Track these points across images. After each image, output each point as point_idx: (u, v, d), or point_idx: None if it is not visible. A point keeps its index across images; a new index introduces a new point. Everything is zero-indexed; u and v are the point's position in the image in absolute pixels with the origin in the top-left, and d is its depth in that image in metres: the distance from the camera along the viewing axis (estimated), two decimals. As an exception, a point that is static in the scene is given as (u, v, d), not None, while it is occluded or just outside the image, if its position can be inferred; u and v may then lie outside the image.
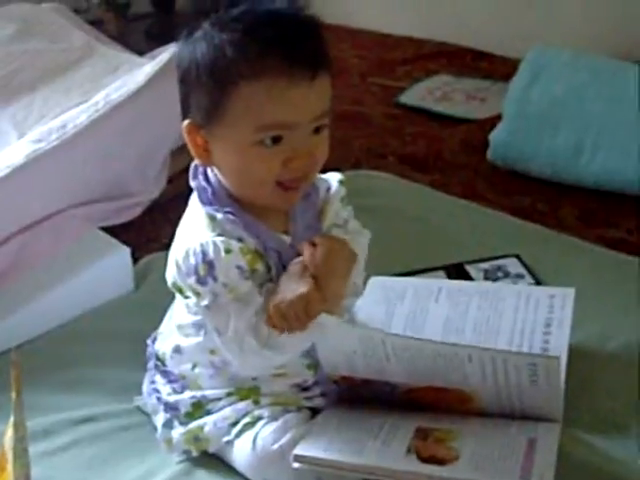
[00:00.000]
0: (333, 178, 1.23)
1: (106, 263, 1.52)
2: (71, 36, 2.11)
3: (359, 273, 1.21)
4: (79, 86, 1.92)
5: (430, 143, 2.12)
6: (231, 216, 1.11)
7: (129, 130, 1.68)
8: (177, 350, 1.20)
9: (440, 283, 1.43)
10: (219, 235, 1.09)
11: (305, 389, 1.20)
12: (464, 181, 1.96)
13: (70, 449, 1.21)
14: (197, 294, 1.10)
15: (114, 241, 1.57)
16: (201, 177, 1.15)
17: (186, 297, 1.13)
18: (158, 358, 1.24)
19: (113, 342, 1.39)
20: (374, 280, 1.40)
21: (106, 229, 1.62)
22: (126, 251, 1.54)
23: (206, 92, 1.08)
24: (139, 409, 1.27)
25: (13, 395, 0.95)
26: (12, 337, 1.38)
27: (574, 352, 1.29)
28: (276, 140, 1.07)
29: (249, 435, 1.14)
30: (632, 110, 1.89)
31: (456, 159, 2.04)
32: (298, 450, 1.09)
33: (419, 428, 1.14)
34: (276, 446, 1.12)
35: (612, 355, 1.36)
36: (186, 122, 1.11)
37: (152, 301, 1.37)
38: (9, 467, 0.97)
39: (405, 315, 1.34)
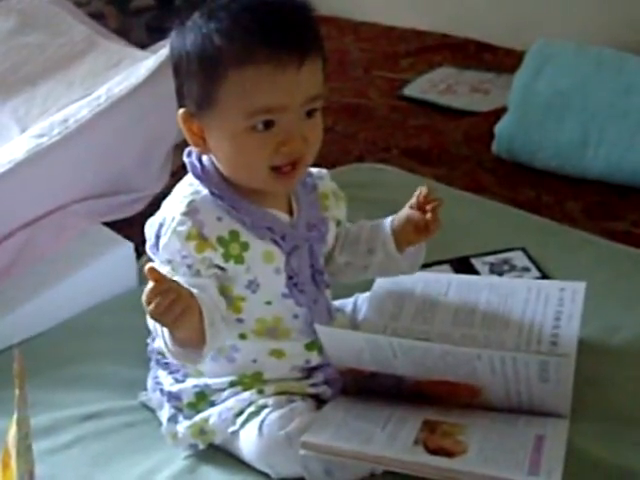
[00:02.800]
0: (320, 171, 1.28)
1: (109, 258, 1.51)
2: (72, 30, 2.09)
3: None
4: (81, 80, 1.90)
5: (434, 136, 2.11)
6: (216, 196, 1.14)
7: (131, 124, 1.66)
8: None
9: (449, 277, 1.42)
10: (185, 214, 1.12)
11: (309, 374, 1.20)
12: (468, 174, 1.95)
13: (74, 446, 1.20)
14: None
15: (117, 236, 1.56)
16: (194, 156, 1.18)
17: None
18: (159, 353, 1.24)
19: (117, 338, 1.38)
20: None
21: (109, 224, 1.60)
22: (129, 246, 1.53)
23: (197, 81, 1.11)
24: (144, 405, 1.26)
25: (16, 391, 0.94)
26: (15, 333, 1.37)
27: (581, 346, 1.27)
28: (268, 125, 1.10)
29: (255, 423, 1.14)
30: (637, 102, 1.88)
31: (460, 152, 2.03)
32: (306, 437, 1.09)
33: (427, 421, 1.14)
34: (282, 432, 1.11)
35: (619, 348, 1.35)
36: (181, 111, 1.15)
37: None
38: (13, 464, 0.96)
39: (414, 308, 1.34)
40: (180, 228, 1.12)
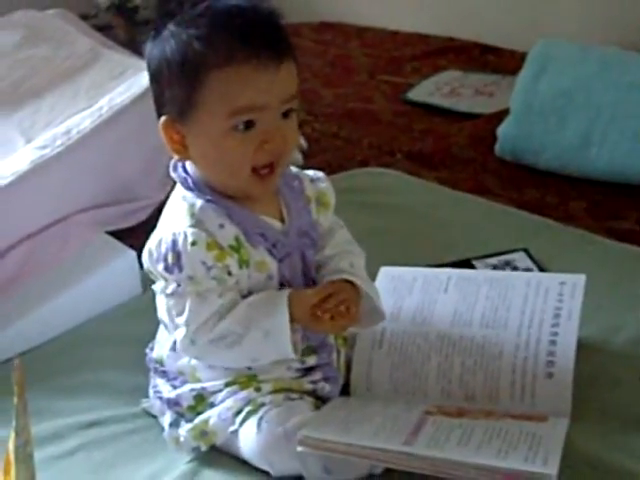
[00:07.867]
0: (316, 174, 1.29)
1: (113, 267, 1.53)
2: (77, 42, 2.11)
3: (374, 291, 1.23)
4: (85, 92, 1.92)
5: (438, 139, 2.10)
6: (212, 204, 1.16)
7: (134, 134, 1.68)
8: (174, 348, 1.21)
9: (449, 273, 1.41)
10: (194, 226, 1.14)
11: (305, 373, 1.21)
12: (472, 176, 1.94)
13: (77, 453, 1.21)
14: (165, 280, 1.15)
15: (120, 245, 1.57)
16: (181, 169, 1.20)
17: (155, 281, 1.19)
18: (156, 362, 1.25)
19: (120, 346, 1.39)
20: (384, 270, 1.40)
21: (112, 233, 1.62)
22: (132, 255, 1.54)
23: (179, 87, 1.14)
24: (146, 412, 1.27)
25: (15, 399, 0.95)
26: (20, 343, 1.39)
27: (583, 346, 1.27)
28: (248, 125, 1.13)
29: (253, 420, 1.15)
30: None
31: (464, 154, 2.03)
32: (303, 433, 1.09)
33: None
34: (281, 428, 1.12)
35: (621, 348, 1.34)
36: (162, 119, 1.16)
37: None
38: (13, 472, 0.97)
39: (414, 307, 1.33)
40: (198, 239, 1.12)
